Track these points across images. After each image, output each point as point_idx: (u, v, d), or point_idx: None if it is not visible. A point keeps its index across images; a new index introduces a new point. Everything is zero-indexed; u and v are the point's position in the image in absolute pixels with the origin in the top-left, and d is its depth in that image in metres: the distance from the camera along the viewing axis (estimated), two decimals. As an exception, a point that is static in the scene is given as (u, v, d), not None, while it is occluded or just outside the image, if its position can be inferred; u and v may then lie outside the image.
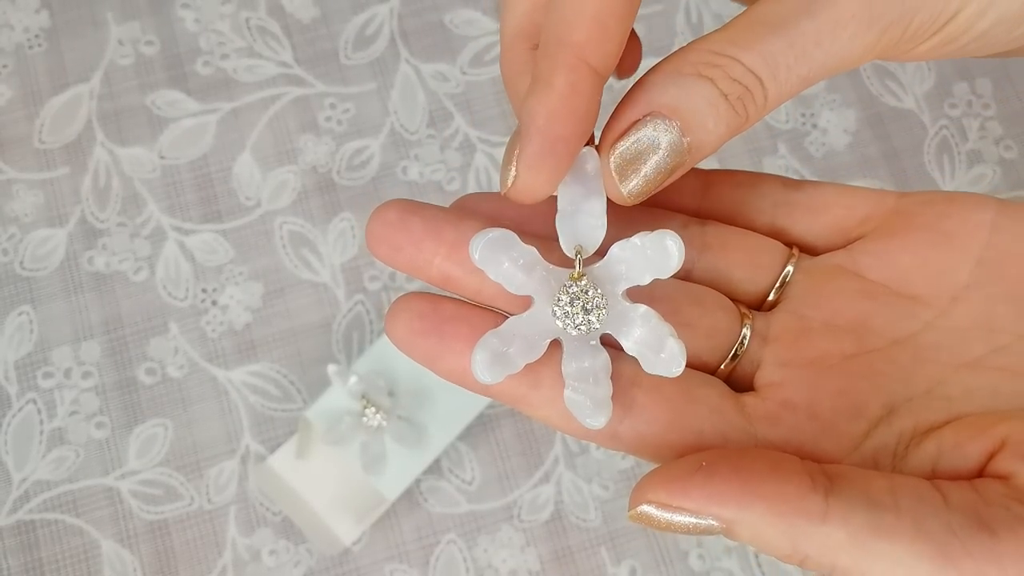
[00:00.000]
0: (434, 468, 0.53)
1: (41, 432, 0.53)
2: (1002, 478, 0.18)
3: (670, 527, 0.18)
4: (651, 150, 0.19)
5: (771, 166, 0.59)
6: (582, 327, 0.20)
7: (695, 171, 0.24)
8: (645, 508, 0.18)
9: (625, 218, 0.22)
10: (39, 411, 0.53)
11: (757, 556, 0.53)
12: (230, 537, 0.52)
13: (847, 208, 0.23)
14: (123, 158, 0.58)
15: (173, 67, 0.60)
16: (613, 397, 0.20)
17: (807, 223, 0.24)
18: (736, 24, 0.19)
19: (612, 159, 0.19)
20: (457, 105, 0.60)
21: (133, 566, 0.51)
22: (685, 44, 0.20)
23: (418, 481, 0.53)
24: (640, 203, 0.20)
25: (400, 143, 0.59)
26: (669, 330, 0.20)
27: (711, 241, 0.23)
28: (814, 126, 0.61)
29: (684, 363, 0.20)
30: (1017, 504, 0.17)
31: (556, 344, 0.21)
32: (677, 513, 0.18)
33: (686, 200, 0.24)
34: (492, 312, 0.21)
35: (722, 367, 0.22)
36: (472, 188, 0.58)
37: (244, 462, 0.53)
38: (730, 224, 0.23)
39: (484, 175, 0.58)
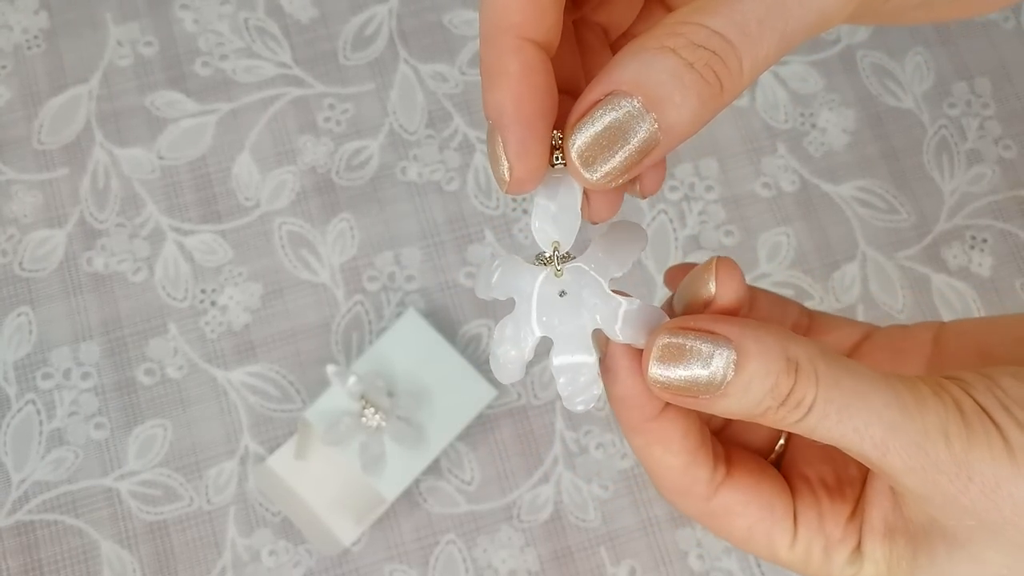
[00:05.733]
0: (433, 468, 0.53)
1: (40, 433, 0.53)
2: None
3: (682, 382, 0.20)
4: (616, 131, 0.18)
5: (770, 166, 0.59)
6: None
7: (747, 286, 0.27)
8: (656, 371, 0.20)
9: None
10: (38, 412, 0.53)
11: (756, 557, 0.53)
12: (229, 537, 0.52)
13: (845, 334, 0.27)
14: (122, 159, 0.58)
15: (172, 68, 0.60)
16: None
17: None
18: None
19: (574, 144, 0.19)
20: (456, 105, 0.60)
21: (132, 567, 0.51)
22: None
23: (417, 481, 0.53)
24: (735, 306, 0.22)
25: (399, 143, 0.59)
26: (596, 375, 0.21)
27: None
28: (813, 126, 0.61)
29: (589, 405, 0.22)
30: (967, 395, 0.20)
31: None
32: (686, 361, 0.20)
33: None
34: None
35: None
36: (471, 188, 0.58)
37: (243, 463, 0.53)
38: None
39: (483, 175, 0.58)
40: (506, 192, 0.20)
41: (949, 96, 0.62)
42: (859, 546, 0.23)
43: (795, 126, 0.61)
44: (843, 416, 0.19)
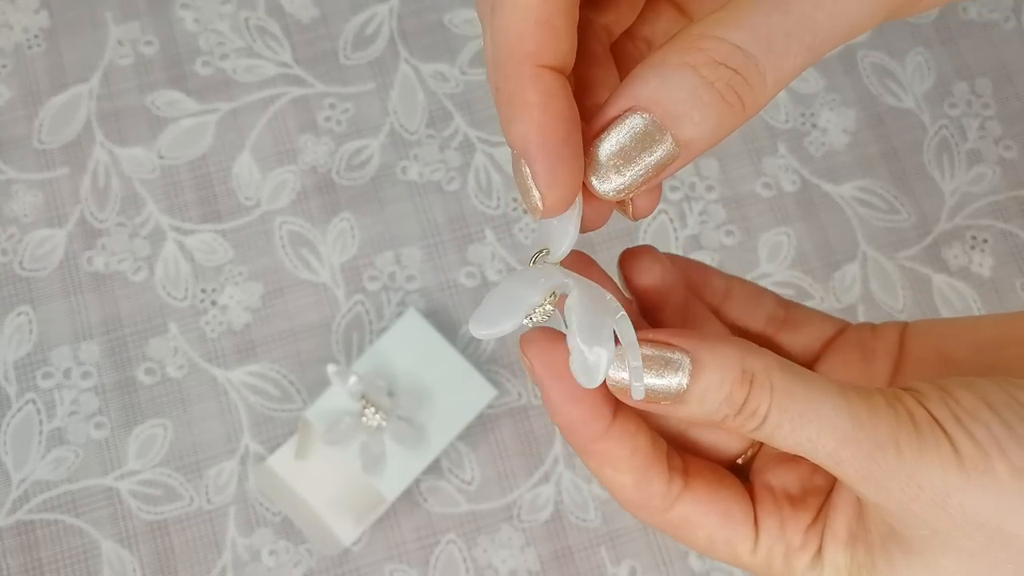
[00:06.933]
0: (434, 468, 0.53)
1: (40, 432, 0.53)
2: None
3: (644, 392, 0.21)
4: (634, 148, 0.18)
5: (771, 166, 0.59)
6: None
7: (723, 275, 0.27)
8: (617, 376, 0.21)
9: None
10: (38, 411, 0.53)
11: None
12: (230, 537, 0.52)
13: (819, 329, 0.28)
14: (122, 158, 0.58)
15: (172, 67, 0.60)
16: None
17: (788, 339, 0.28)
18: (729, 2, 0.18)
19: (592, 160, 0.19)
20: (456, 105, 0.60)
21: (133, 566, 0.51)
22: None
23: (418, 481, 0.53)
24: (703, 318, 0.22)
25: (400, 143, 0.59)
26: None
27: None
28: (814, 126, 0.61)
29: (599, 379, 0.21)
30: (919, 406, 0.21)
31: None
32: (648, 370, 0.20)
33: (716, 299, 0.27)
34: None
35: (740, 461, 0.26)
36: (472, 188, 0.58)
37: (244, 462, 0.53)
38: (731, 328, 0.27)
39: (484, 175, 0.58)
40: (537, 219, 0.20)
41: (950, 96, 0.62)
42: (820, 552, 0.23)
43: (796, 126, 0.61)
44: (796, 426, 0.20)
